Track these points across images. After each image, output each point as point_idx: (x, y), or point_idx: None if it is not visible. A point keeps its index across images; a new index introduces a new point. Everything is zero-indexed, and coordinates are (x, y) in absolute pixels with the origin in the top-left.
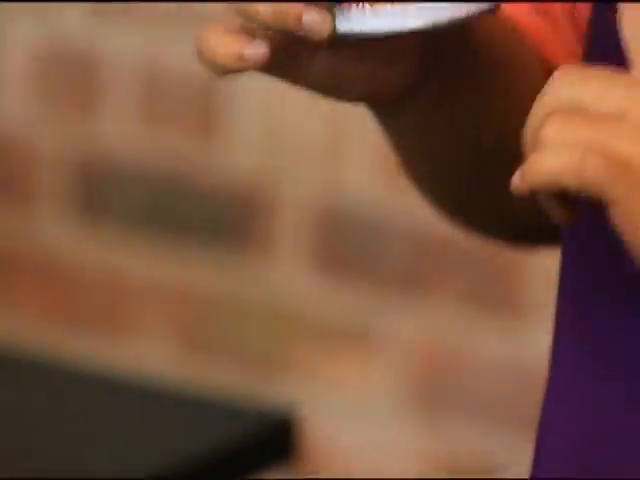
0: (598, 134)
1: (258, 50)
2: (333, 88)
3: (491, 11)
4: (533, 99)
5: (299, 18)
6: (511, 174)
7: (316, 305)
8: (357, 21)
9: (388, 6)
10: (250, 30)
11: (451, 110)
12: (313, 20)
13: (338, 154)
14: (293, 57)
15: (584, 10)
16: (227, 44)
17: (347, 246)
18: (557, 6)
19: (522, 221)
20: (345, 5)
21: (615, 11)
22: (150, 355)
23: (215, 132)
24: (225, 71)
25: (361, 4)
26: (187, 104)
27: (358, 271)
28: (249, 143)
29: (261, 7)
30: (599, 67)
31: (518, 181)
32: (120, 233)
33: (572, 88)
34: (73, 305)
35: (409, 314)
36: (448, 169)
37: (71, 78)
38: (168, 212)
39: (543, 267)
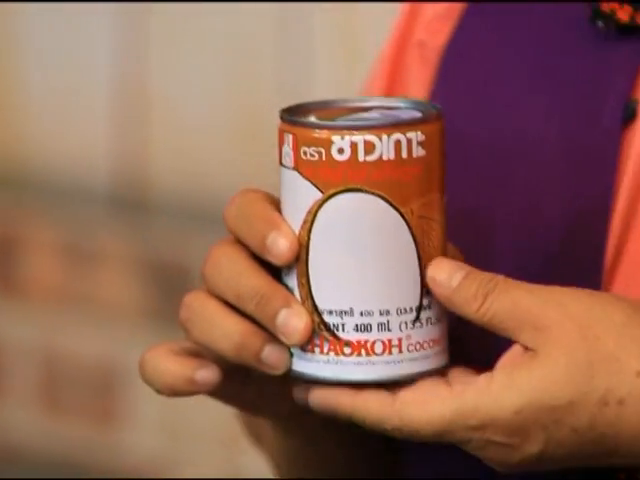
0: None
1: (211, 375)
2: (261, 407)
3: (443, 368)
4: None
5: (258, 355)
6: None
7: None
8: (314, 366)
9: (352, 357)
10: (197, 351)
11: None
12: (271, 358)
13: (239, 439)
14: (230, 377)
15: None
16: (177, 366)
17: None
18: None
19: None
20: (309, 347)
21: None
22: None
23: (115, 417)
24: (173, 393)
25: (326, 350)
26: (86, 390)
27: None
28: (149, 428)
29: (223, 344)
30: None
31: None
32: None
33: None
34: None
35: None
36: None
37: None
38: None
39: None
